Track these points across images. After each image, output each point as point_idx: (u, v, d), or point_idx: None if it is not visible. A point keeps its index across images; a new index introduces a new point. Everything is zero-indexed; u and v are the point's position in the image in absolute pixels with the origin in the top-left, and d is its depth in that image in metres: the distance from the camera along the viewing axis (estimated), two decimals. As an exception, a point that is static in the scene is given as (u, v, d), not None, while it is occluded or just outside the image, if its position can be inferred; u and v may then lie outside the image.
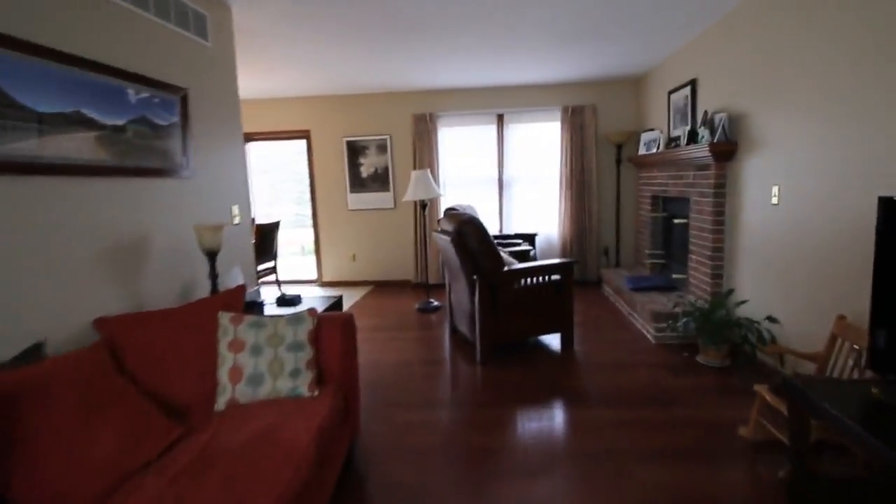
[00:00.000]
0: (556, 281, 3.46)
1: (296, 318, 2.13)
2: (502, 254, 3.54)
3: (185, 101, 2.63)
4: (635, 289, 4.16)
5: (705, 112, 3.58)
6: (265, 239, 5.02)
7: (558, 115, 5.41)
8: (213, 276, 2.58)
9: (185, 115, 2.64)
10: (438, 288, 5.59)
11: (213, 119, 2.87)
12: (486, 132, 5.65)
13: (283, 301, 2.95)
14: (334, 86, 5.35)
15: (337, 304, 2.99)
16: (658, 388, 2.84)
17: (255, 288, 2.99)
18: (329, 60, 4.34)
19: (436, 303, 4.83)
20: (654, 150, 4.51)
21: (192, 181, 2.68)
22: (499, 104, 5.54)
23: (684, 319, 3.23)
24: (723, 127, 3.28)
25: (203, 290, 2.70)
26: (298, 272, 6.79)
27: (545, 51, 4.20)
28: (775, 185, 2.85)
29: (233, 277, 2.84)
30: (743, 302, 3.07)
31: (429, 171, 4.76)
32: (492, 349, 3.45)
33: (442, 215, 4.79)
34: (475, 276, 3.25)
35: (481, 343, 3.30)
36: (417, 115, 5.58)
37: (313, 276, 6.21)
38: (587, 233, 5.47)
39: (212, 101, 2.85)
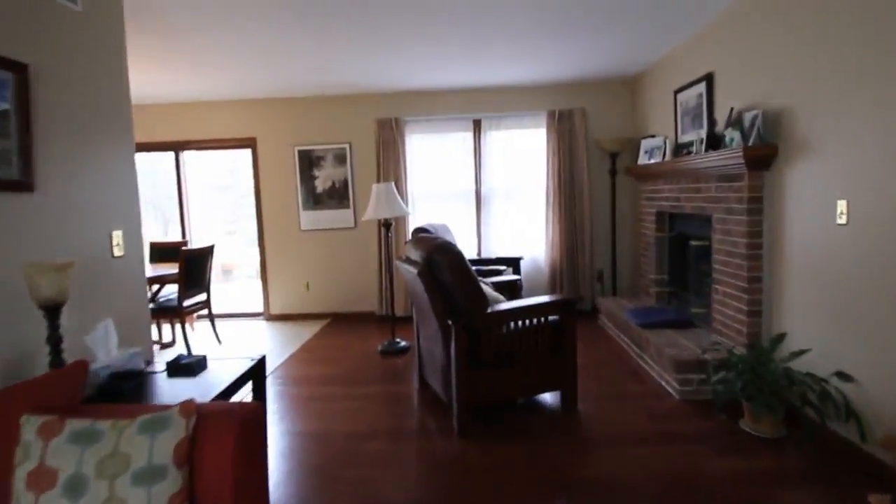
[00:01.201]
0: (553, 323, 2.68)
1: (154, 423, 1.26)
2: (485, 288, 2.74)
3: (23, 81, 1.76)
4: (645, 325, 3.43)
5: (731, 110, 2.92)
6: (194, 267, 4.08)
7: (543, 120, 4.72)
8: (55, 341, 1.70)
9: (22, 103, 1.76)
10: (406, 322, 4.73)
11: (83, 113, 2.00)
12: (461, 140, 4.90)
13: (177, 368, 2.04)
14: (282, 86, 4.51)
15: (255, 370, 2.10)
16: (700, 475, 2.06)
17: (137, 349, 2.08)
18: (271, 53, 3.52)
19: (402, 343, 3.98)
20: (659, 159, 3.84)
21: (38, 199, 1.79)
22: (475, 108, 4.81)
23: (722, 373, 2.49)
24: (757, 128, 2.61)
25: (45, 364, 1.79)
26: (243, 303, 5.82)
27: (527, 45, 3.50)
28: (842, 199, 2.16)
29: (97, 338, 1.92)
30: (803, 352, 2.35)
31: (393, 184, 3.96)
32: (473, 414, 2.62)
33: (409, 237, 3.98)
34: (450, 321, 2.44)
35: (459, 408, 2.47)
36: (381, 120, 4.79)
37: (259, 307, 5.26)
38: (579, 254, 4.75)
39: (81, 88, 1.99)
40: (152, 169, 5.41)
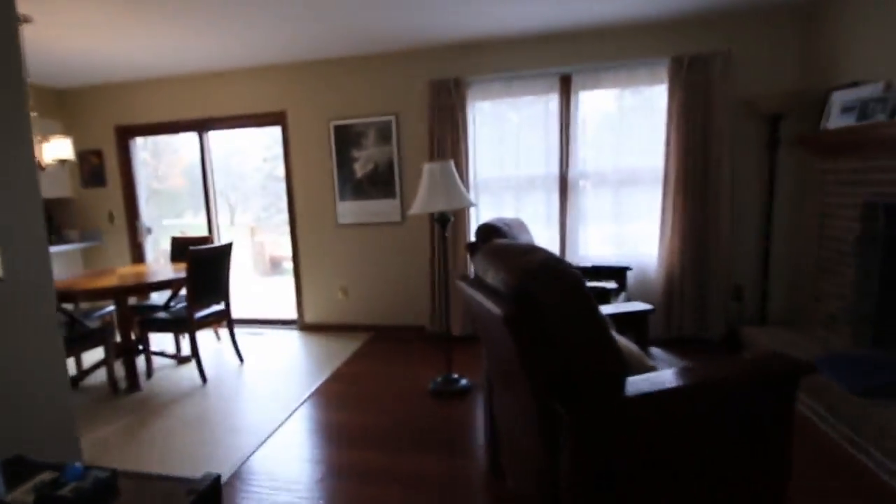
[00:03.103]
0: (745, 410, 1.42)
1: None
2: (621, 341, 1.53)
3: None
4: (866, 391, 2.03)
5: None
6: (205, 271, 3.25)
7: (664, 71, 3.32)
8: None
9: None
10: (466, 344, 3.63)
11: None
12: (542, 105, 3.64)
13: None
14: (315, 46, 3.52)
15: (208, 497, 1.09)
16: None
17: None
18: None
19: (462, 381, 2.88)
20: (874, 119, 2.35)
21: None
22: (564, 59, 3.51)
23: None
24: None
25: None
26: (282, 305, 5.03)
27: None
28: None
29: None
30: None
31: (452, 163, 2.83)
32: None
33: (473, 236, 2.86)
34: (561, 405, 1.27)
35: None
36: (437, 83, 3.65)
37: (293, 313, 4.41)
38: (709, 262, 3.34)
39: None
40: (191, 148, 4.66)
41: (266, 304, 5.96)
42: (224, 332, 4.06)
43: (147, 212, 4.74)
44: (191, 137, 4.44)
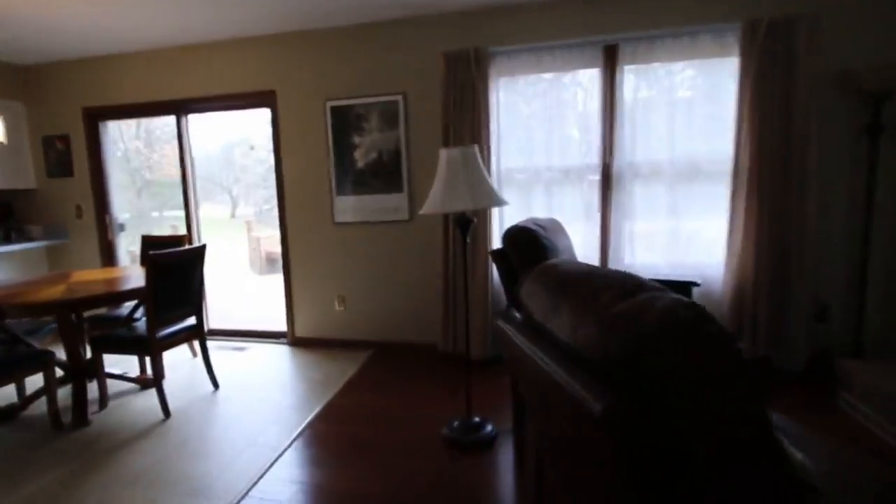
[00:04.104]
0: None
1: None
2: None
3: None
4: None
5: None
6: (173, 280, 2.67)
7: (734, 40, 2.70)
8: None
9: None
10: (489, 371, 3.03)
11: None
12: (580, 83, 3.02)
13: None
14: (310, 12, 2.92)
15: None
16: None
17: None
18: None
19: (488, 427, 2.28)
20: None
21: None
22: (608, 25, 2.89)
23: None
24: None
25: None
26: (273, 312, 4.46)
27: None
28: None
29: None
30: None
31: (476, 149, 2.23)
32: None
33: (499, 240, 2.29)
34: None
35: None
36: (453, 54, 3.04)
37: (283, 325, 3.83)
38: (789, 274, 2.72)
39: None
40: (195, 134, 4.05)
41: (259, 306, 5.40)
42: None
43: (138, 205, 4.16)
44: (188, 122, 3.85)
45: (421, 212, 2.23)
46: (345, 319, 3.60)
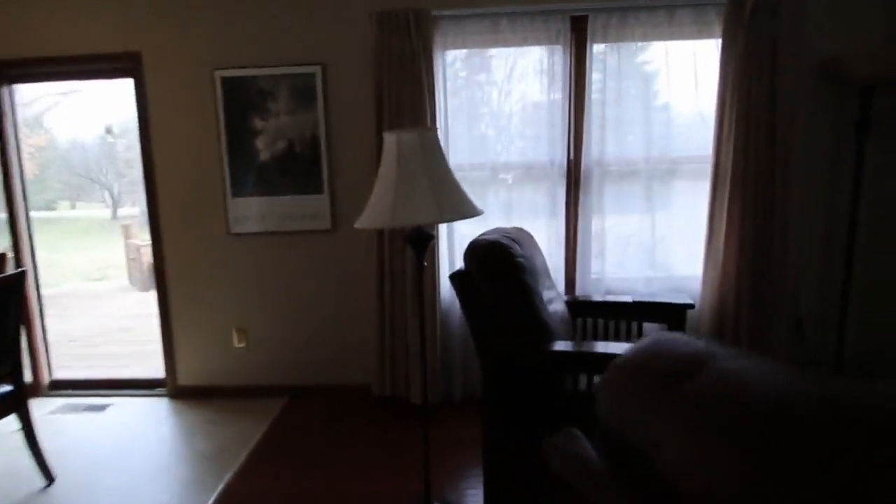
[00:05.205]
0: None
1: None
2: None
3: None
4: None
5: None
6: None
7: (714, 19, 2.35)
8: None
9: None
10: (442, 420, 2.40)
11: None
12: (542, 60, 2.51)
13: None
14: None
15: None
16: None
17: None
18: None
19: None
20: None
21: None
22: (575, -6, 2.41)
23: None
24: None
25: None
26: (142, 356, 3.44)
27: None
28: None
29: None
30: None
31: (437, 132, 1.59)
32: None
33: (463, 259, 1.68)
34: None
35: None
36: (386, 16, 2.37)
37: (160, 370, 2.86)
38: (773, 287, 2.43)
39: None
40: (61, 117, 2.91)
41: (135, 337, 4.27)
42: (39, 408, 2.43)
43: None
44: (13, 93, 2.72)
45: (358, 225, 1.54)
46: (247, 359, 2.75)
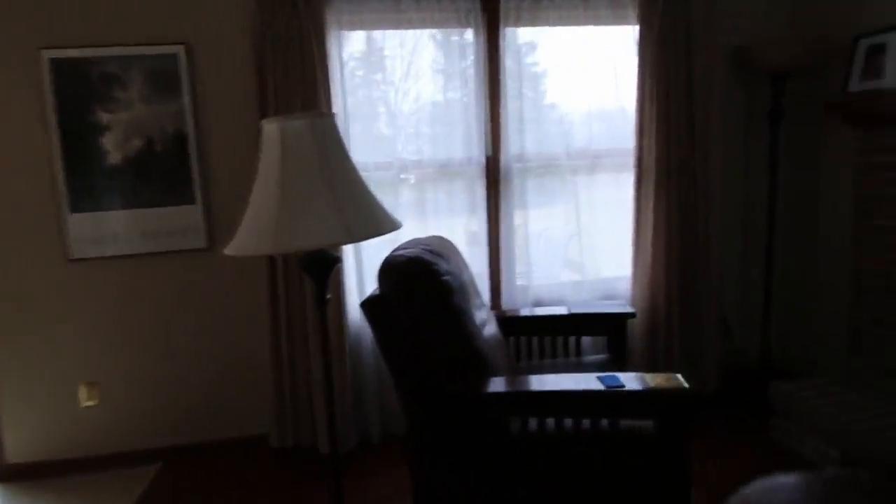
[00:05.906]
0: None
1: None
2: None
3: None
4: None
5: None
6: None
7: (628, 3, 2.22)
8: None
9: None
10: (357, 471, 1.98)
11: None
12: (452, 49, 2.24)
13: None
14: None
15: None
16: None
17: None
18: None
19: None
20: None
21: None
22: (484, -26, 2.17)
23: None
24: None
25: None
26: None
27: None
28: None
29: None
30: None
31: (336, 119, 1.21)
32: None
33: (377, 280, 1.28)
34: None
35: None
36: (265, -12, 1.97)
37: (-22, 450, 2.14)
38: (698, 280, 2.33)
39: None
40: None
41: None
42: None
43: None
44: None
45: (229, 251, 1.11)
46: (101, 421, 2.13)
